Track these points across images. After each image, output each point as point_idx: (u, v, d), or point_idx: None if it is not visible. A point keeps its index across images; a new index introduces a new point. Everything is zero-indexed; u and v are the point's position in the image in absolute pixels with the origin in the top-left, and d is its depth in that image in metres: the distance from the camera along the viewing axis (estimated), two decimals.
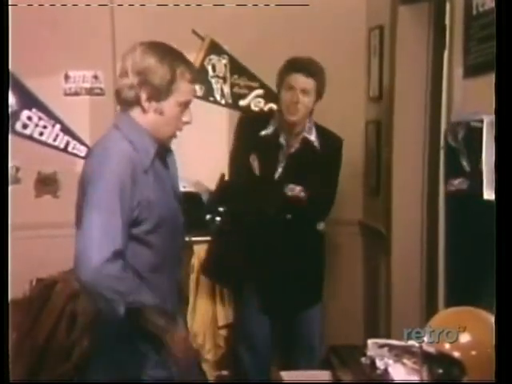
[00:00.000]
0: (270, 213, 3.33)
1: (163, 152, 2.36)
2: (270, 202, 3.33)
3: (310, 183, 3.32)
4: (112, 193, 2.13)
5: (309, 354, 3.51)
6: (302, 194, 3.31)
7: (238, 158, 3.44)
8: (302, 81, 3.28)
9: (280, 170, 3.37)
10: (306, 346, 3.53)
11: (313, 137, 3.40)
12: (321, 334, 3.64)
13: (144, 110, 2.24)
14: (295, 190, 3.31)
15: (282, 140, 3.38)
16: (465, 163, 2.57)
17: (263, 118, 3.54)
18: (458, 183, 2.62)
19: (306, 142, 3.39)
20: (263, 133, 3.39)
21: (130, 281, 2.16)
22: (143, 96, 2.21)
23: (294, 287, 3.37)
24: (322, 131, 3.45)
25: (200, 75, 2.34)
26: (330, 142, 3.45)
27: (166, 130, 2.29)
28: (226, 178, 3.67)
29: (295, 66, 3.32)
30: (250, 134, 3.42)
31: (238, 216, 3.49)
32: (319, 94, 3.34)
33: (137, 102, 2.23)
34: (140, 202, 2.19)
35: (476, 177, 2.40)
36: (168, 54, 2.23)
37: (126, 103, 2.26)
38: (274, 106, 3.91)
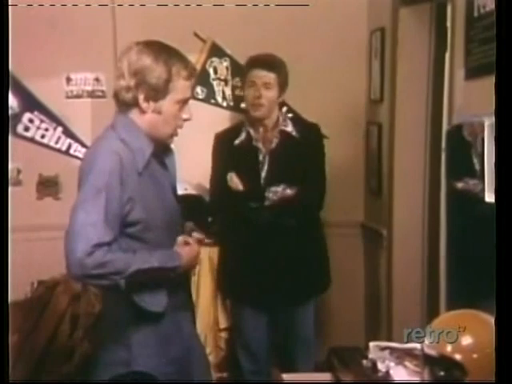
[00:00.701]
0: (265, 219, 3.33)
1: (162, 152, 2.35)
2: (260, 212, 3.32)
3: (298, 175, 3.33)
4: (97, 188, 2.13)
5: (304, 354, 3.54)
6: (288, 192, 3.32)
7: (216, 182, 3.46)
8: (262, 75, 3.33)
9: (265, 169, 3.37)
10: (301, 346, 3.55)
11: (289, 127, 3.42)
12: (316, 333, 3.66)
13: (142, 111, 2.24)
14: (278, 191, 3.31)
15: (255, 142, 3.40)
16: (477, 164, 2.56)
17: (235, 128, 3.55)
18: (474, 184, 2.61)
19: (285, 134, 3.40)
20: (237, 142, 3.42)
21: (120, 259, 2.14)
22: (141, 97, 2.21)
23: (294, 282, 3.37)
24: (297, 120, 3.49)
25: (196, 71, 2.34)
26: (308, 129, 3.47)
27: (166, 128, 2.29)
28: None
29: (255, 62, 3.38)
30: (224, 149, 3.45)
31: (231, 225, 3.49)
32: (282, 88, 3.39)
33: (135, 103, 2.23)
34: (131, 198, 2.17)
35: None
36: (163, 52, 2.23)
37: (124, 105, 2.26)
38: None
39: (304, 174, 3.35)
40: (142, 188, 2.21)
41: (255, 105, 3.34)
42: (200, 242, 2.41)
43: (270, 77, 3.33)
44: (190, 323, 2.45)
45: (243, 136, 3.42)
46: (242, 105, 4.26)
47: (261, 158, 3.39)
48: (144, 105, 2.22)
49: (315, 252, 3.50)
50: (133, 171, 2.19)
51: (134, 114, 2.25)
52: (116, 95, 2.26)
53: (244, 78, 3.44)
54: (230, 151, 3.42)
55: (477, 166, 2.55)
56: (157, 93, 2.21)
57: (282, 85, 3.38)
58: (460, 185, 2.76)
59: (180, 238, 2.34)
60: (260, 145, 3.40)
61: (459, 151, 2.83)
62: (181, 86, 2.24)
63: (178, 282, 2.31)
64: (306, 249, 3.42)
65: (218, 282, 3.70)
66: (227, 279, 3.57)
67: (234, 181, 3.36)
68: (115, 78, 2.27)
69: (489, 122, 2.36)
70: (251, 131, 3.42)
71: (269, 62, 3.36)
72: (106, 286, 2.21)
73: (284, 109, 3.74)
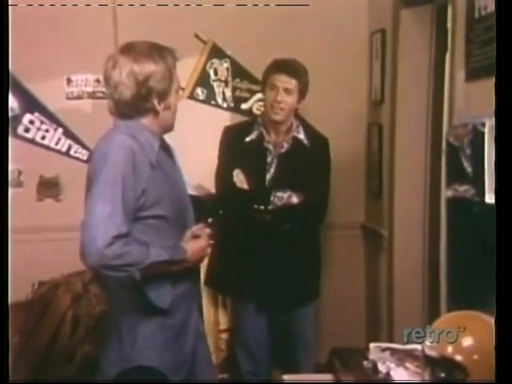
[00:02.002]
0: (266, 221, 3.35)
1: (166, 146, 2.41)
2: (263, 215, 3.34)
3: (303, 184, 3.35)
4: (114, 182, 2.16)
5: (304, 354, 3.56)
6: (294, 200, 3.33)
7: (222, 175, 3.47)
8: (284, 80, 3.35)
9: (272, 172, 3.39)
10: (301, 347, 3.56)
11: (301, 135, 3.45)
12: (316, 334, 3.70)
13: (156, 113, 2.30)
14: (283, 197, 3.33)
15: (266, 143, 3.42)
16: (468, 167, 2.56)
17: (246, 125, 3.57)
18: (464, 190, 2.61)
19: (296, 141, 3.43)
20: (247, 139, 3.44)
21: (136, 251, 2.18)
22: (155, 101, 2.27)
23: (290, 285, 3.40)
24: (309, 129, 3.50)
25: (176, 55, 2.40)
26: (318, 139, 3.50)
27: (173, 118, 2.37)
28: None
29: (278, 66, 3.39)
30: (234, 143, 3.46)
31: (232, 222, 3.51)
32: (302, 94, 3.41)
33: (152, 109, 2.28)
34: (145, 190, 2.21)
35: (481, 184, 2.39)
36: (154, 51, 2.27)
37: (139, 112, 2.29)
38: None
39: (309, 185, 3.36)
40: (155, 180, 2.25)
41: (275, 108, 3.35)
42: (208, 236, 2.45)
43: (291, 82, 3.35)
44: (197, 317, 2.47)
45: (255, 135, 3.44)
46: (243, 106, 4.29)
47: (269, 159, 3.41)
48: (159, 107, 2.29)
49: (308, 262, 3.51)
50: (145, 163, 2.23)
51: (146, 120, 2.30)
52: (128, 104, 2.26)
53: (265, 80, 3.44)
54: (239, 147, 3.44)
55: (468, 169, 2.55)
56: (166, 91, 2.28)
57: (302, 91, 3.41)
58: (450, 192, 2.76)
59: (188, 233, 2.37)
60: (271, 146, 3.42)
61: (447, 157, 2.84)
62: (175, 74, 2.32)
63: (185, 275, 2.33)
64: (300, 257, 3.44)
65: (209, 276, 3.67)
66: (220, 275, 3.58)
67: (240, 178, 3.38)
68: (113, 89, 2.27)
69: (489, 124, 2.35)
70: (264, 132, 3.43)
71: (292, 68, 3.38)
72: (120, 278, 2.22)
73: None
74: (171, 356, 2.31)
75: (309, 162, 3.41)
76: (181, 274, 2.31)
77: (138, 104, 2.27)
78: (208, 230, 2.46)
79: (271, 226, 3.35)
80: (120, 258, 2.12)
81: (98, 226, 2.11)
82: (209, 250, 2.51)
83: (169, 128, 2.38)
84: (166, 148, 2.40)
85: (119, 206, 2.14)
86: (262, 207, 3.33)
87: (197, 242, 2.38)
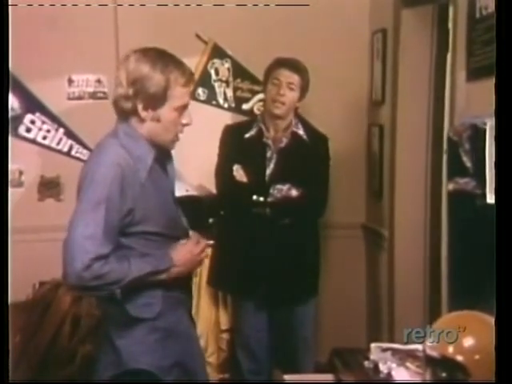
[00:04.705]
0: (266, 216, 3.36)
1: (163, 158, 2.35)
2: (262, 205, 3.36)
3: (302, 178, 3.38)
4: (97, 200, 2.13)
5: (304, 354, 3.57)
6: (294, 192, 3.36)
7: (222, 171, 3.49)
8: (287, 75, 3.41)
9: (271, 167, 3.42)
10: (301, 346, 3.57)
11: (301, 131, 3.49)
12: (317, 334, 3.71)
13: (141, 120, 2.23)
14: (283, 190, 3.36)
15: (266, 139, 3.45)
16: (467, 162, 2.56)
17: (246, 123, 3.62)
18: (464, 183, 2.61)
19: (295, 136, 3.47)
20: (247, 135, 3.48)
21: (116, 269, 2.15)
22: (140, 106, 2.21)
23: (290, 280, 3.41)
24: (308, 127, 3.54)
25: (194, 76, 2.33)
26: (318, 136, 3.54)
27: (166, 135, 2.28)
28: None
29: (281, 62, 3.46)
30: (233, 140, 3.50)
31: (232, 218, 3.53)
32: (303, 92, 3.46)
33: (134, 111, 2.22)
34: (132, 209, 2.18)
35: (480, 178, 2.39)
36: (159, 59, 2.21)
37: (123, 113, 2.25)
38: None
39: (309, 179, 3.39)
40: (144, 197, 2.21)
41: (276, 102, 3.40)
42: (199, 244, 2.40)
43: (294, 78, 3.41)
44: (188, 323, 2.45)
45: (254, 131, 3.48)
46: (244, 106, 4.29)
47: (269, 154, 3.44)
48: (143, 113, 2.22)
49: (307, 257, 3.52)
50: (135, 181, 2.19)
51: (133, 122, 2.25)
52: (115, 103, 2.26)
53: (268, 75, 3.48)
54: (239, 143, 3.47)
55: (468, 164, 2.54)
56: (155, 101, 2.21)
57: (303, 89, 3.45)
58: (451, 185, 2.75)
59: (178, 243, 2.34)
60: (270, 142, 3.46)
61: (453, 155, 2.84)
62: (179, 93, 2.23)
63: (176, 282, 2.31)
64: (299, 251, 3.45)
65: (210, 274, 3.71)
66: (220, 272, 3.60)
67: (240, 173, 3.41)
68: (114, 86, 2.26)
69: (491, 124, 2.35)
70: (263, 128, 3.47)
71: (295, 65, 3.44)
72: (102, 295, 2.22)
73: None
74: (162, 357, 2.29)
75: (308, 156, 3.45)
76: (172, 281, 2.28)
77: (123, 103, 2.22)
78: (197, 236, 2.40)
79: (271, 221, 3.37)
80: (99, 279, 2.11)
81: (78, 247, 2.09)
82: (203, 256, 2.46)
83: (162, 143, 2.29)
84: (160, 159, 2.33)
85: (101, 227, 2.10)
86: (262, 199, 3.35)
87: (184, 247, 2.33)
